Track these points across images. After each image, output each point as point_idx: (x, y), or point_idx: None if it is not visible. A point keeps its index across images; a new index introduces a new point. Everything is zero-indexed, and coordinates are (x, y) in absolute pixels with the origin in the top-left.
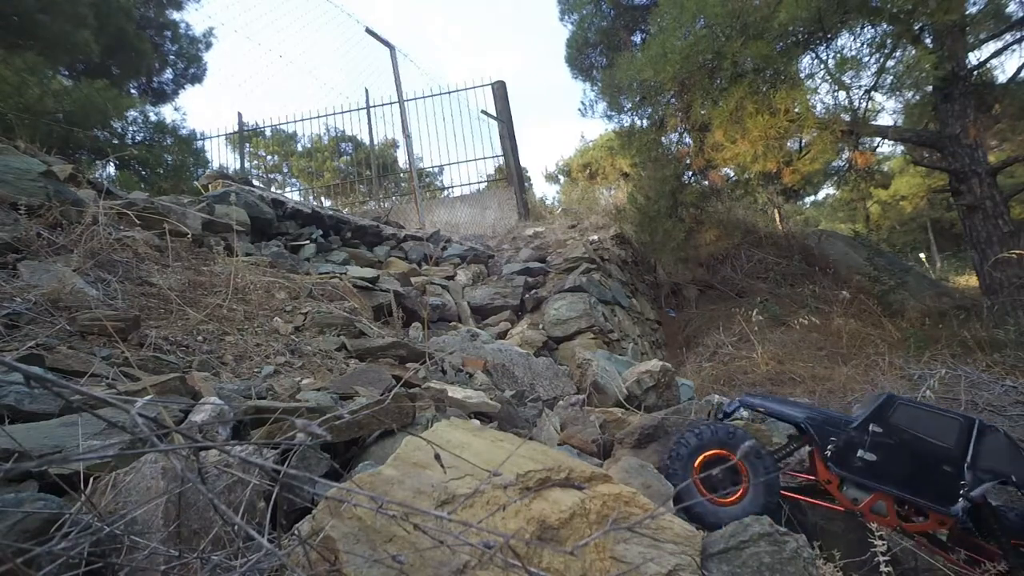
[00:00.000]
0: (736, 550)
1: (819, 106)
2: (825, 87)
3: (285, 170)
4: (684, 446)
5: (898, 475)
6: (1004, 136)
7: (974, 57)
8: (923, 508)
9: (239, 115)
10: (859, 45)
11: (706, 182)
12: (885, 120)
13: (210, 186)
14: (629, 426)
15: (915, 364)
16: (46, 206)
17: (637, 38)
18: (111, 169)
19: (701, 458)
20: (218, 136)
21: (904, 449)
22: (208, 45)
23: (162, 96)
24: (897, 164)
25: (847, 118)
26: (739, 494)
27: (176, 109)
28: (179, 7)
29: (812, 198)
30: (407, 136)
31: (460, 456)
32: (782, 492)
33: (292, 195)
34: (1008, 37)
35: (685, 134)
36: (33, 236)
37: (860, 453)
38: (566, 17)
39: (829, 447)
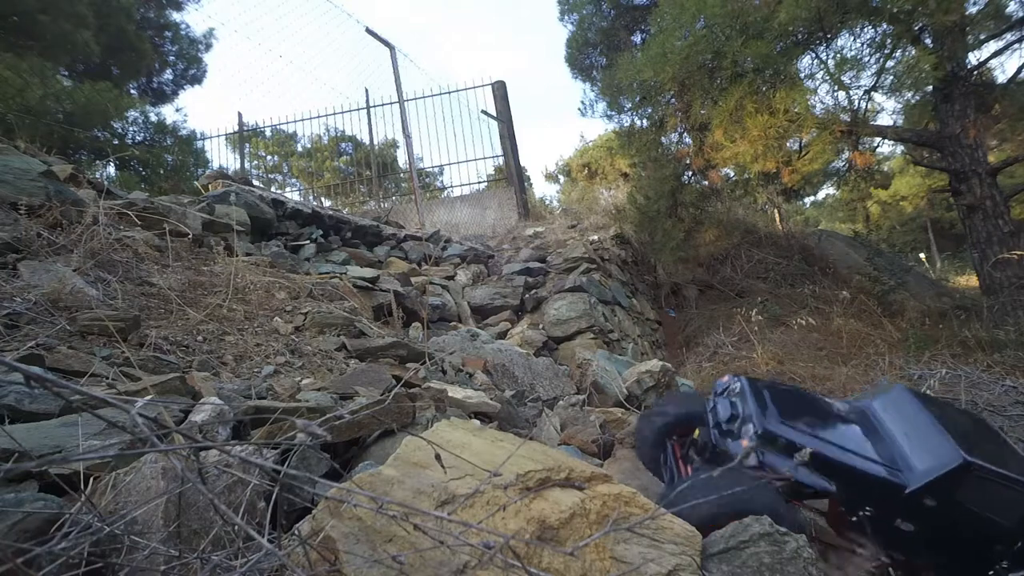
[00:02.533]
0: (736, 550)
1: (819, 106)
2: (825, 87)
3: (285, 170)
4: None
5: (938, 550)
6: (1004, 136)
7: (974, 57)
8: None
9: (239, 115)
10: (859, 45)
11: (706, 182)
12: (885, 120)
13: (210, 186)
14: (629, 426)
15: (915, 364)
16: (46, 206)
17: (637, 38)
18: (111, 169)
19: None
20: (218, 136)
21: (957, 525)
22: (208, 46)
23: (162, 96)
24: (897, 164)
25: (847, 118)
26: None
27: (177, 110)
28: (179, 8)
29: (812, 198)
30: (407, 136)
31: (460, 456)
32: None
33: (292, 195)
34: (1008, 37)
35: (685, 134)
36: (33, 236)
37: (898, 523)
38: (566, 17)
39: (861, 514)
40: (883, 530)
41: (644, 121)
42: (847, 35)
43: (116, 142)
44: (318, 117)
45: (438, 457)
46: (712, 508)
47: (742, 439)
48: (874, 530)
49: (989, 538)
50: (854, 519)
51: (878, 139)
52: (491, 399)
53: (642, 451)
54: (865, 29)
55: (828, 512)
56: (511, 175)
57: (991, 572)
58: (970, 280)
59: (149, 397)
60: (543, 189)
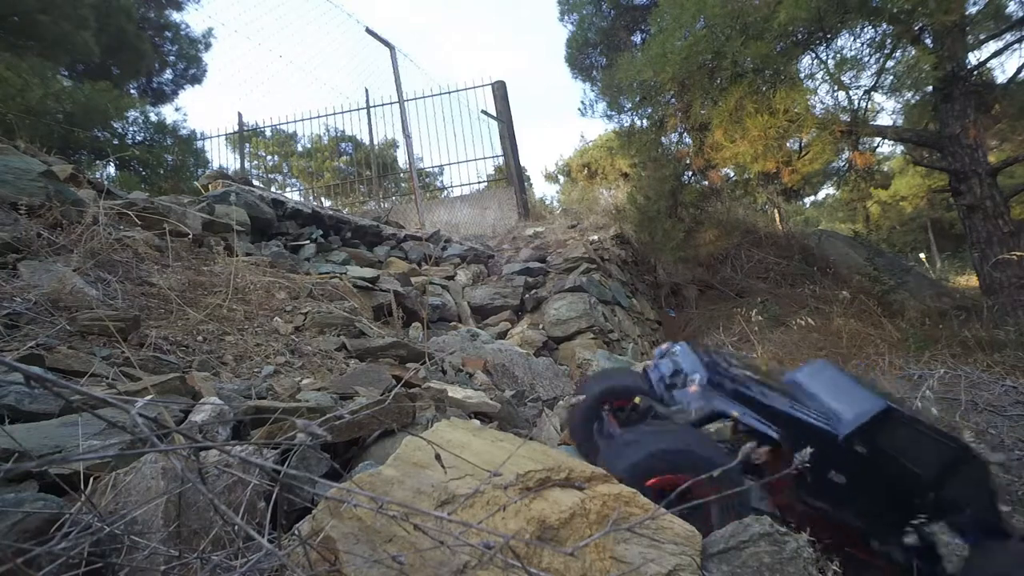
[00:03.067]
0: (736, 550)
1: (819, 106)
2: (825, 87)
3: (285, 170)
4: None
5: (865, 503)
6: (1004, 136)
7: (974, 57)
8: (874, 539)
9: (239, 115)
10: (859, 45)
11: (706, 182)
12: (885, 120)
13: (210, 186)
14: None
15: (915, 364)
16: (46, 206)
17: (637, 38)
18: (111, 169)
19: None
20: (218, 136)
21: (882, 475)
22: (208, 46)
23: (162, 96)
24: (897, 164)
25: (847, 118)
26: None
27: (177, 109)
28: (179, 8)
29: (812, 198)
30: (407, 136)
31: (460, 456)
32: None
33: (292, 195)
34: (1008, 37)
35: (685, 134)
36: (33, 236)
37: (831, 475)
38: (566, 17)
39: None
40: (818, 484)
41: (644, 121)
42: (847, 35)
43: (116, 142)
44: (318, 117)
45: (438, 457)
46: (649, 459)
47: (689, 386)
48: (810, 484)
49: (909, 490)
50: (795, 471)
51: (878, 139)
52: (491, 399)
53: (574, 429)
54: (865, 29)
55: (769, 466)
56: (511, 175)
57: (910, 527)
58: (970, 280)
59: (149, 397)
60: (543, 189)
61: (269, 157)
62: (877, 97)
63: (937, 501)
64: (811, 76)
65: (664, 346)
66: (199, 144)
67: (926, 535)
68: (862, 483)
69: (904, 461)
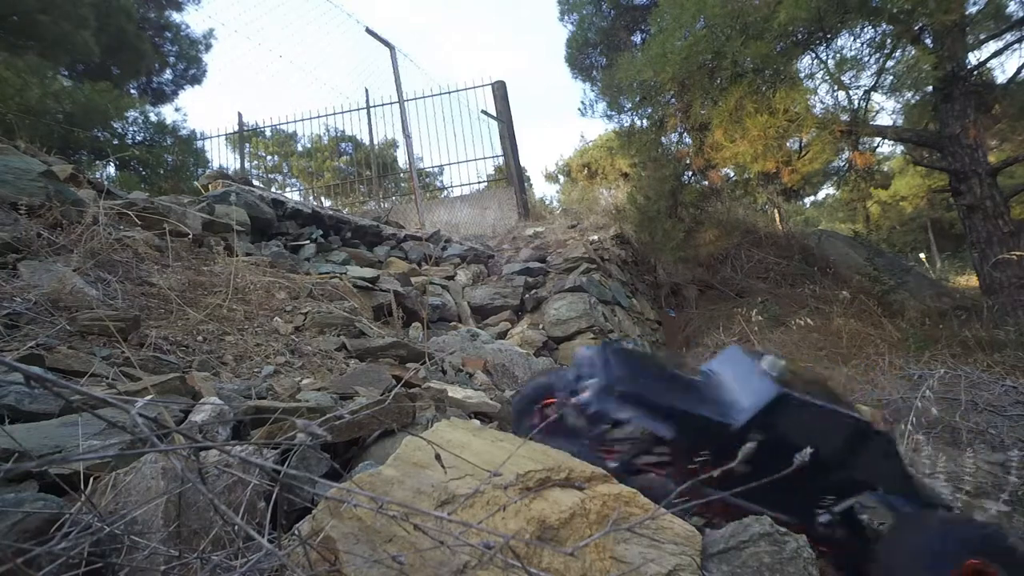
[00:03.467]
0: (736, 550)
1: (818, 106)
2: (825, 87)
3: (285, 170)
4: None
5: (770, 489)
6: (1004, 136)
7: (974, 57)
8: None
9: (239, 115)
10: (859, 45)
11: (706, 182)
12: (885, 120)
13: (210, 186)
14: None
15: (915, 364)
16: (46, 206)
17: (637, 38)
18: (111, 169)
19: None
20: (218, 136)
21: (783, 460)
22: (208, 46)
23: (162, 96)
24: (897, 164)
25: (847, 118)
26: None
27: (177, 110)
28: (179, 8)
29: (812, 198)
30: (407, 136)
31: (460, 456)
32: None
33: (292, 195)
34: (1008, 37)
35: (685, 134)
36: (33, 236)
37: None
38: (566, 17)
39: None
40: (722, 476)
41: (644, 121)
42: (847, 35)
43: (116, 142)
44: (318, 117)
45: (438, 457)
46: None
47: (582, 391)
48: (715, 477)
49: (812, 471)
50: (693, 466)
51: (878, 139)
52: (491, 399)
53: (515, 424)
54: (865, 29)
55: (671, 465)
56: (511, 175)
57: (820, 508)
58: (970, 280)
59: (149, 397)
60: (543, 189)
61: (269, 157)
62: (877, 97)
63: (844, 479)
64: (811, 76)
65: (582, 349)
66: (199, 144)
67: (840, 514)
68: (767, 470)
69: (803, 444)
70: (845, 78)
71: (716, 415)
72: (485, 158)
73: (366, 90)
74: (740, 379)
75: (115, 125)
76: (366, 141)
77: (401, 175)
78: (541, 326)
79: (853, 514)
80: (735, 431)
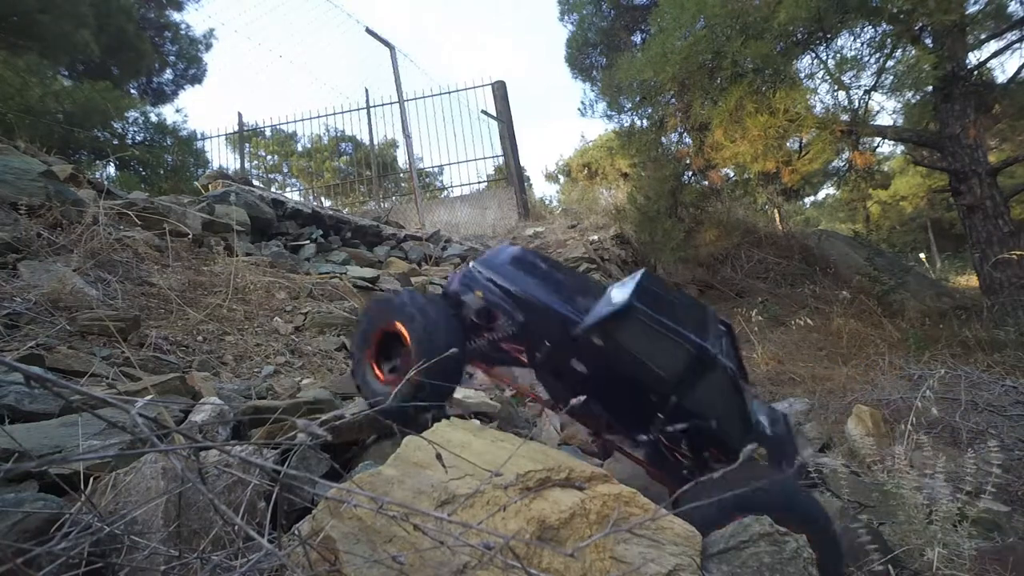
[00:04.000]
0: (736, 550)
1: (819, 106)
2: (825, 87)
3: (285, 170)
4: (359, 326)
5: (604, 393)
6: (1004, 136)
7: (974, 57)
8: (618, 431)
9: (239, 115)
10: (859, 45)
11: (706, 182)
12: (885, 120)
13: (210, 186)
14: None
15: (915, 364)
16: (46, 206)
17: (637, 38)
18: (111, 169)
19: (377, 335)
20: (218, 136)
21: (621, 368)
22: (208, 46)
23: (162, 96)
24: (897, 164)
25: (847, 118)
26: (403, 373)
27: (177, 110)
28: (179, 8)
29: (812, 198)
30: (407, 136)
31: (460, 456)
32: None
33: (292, 195)
34: (1008, 37)
35: (685, 134)
36: (33, 236)
37: (573, 363)
38: (566, 17)
39: (540, 352)
40: (560, 370)
41: (644, 121)
42: (847, 35)
43: (116, 142)
44: (318, 117)
45: (438, 457)
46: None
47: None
48: (553, 368)
49: (648, 387)
50: (537, 355)
51: (878, 139)
52: (491, 399)
53: (355, 365)
54: (865, 29)
55: (525, 352)
56: (511, 175)
57: (650, 425)
58: (970, 280)
59: (149, 397)
60: (543, 189)
61: (269, 157)
62: (877, 97)
63: (680, 404)
64: (811, 76)
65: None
66: (199, 144)
67: (669, 435)
68: (603, 375)
69: (643, 359)
70: (845, 78)
71: (567, 311)
72: (485, 158)
73: (366, 90)
74: (620, 289)
75: (115, 125)
76: (366, 141)
77: (401, 175)
78: None
79: (680, 439)
80: (579, 330)
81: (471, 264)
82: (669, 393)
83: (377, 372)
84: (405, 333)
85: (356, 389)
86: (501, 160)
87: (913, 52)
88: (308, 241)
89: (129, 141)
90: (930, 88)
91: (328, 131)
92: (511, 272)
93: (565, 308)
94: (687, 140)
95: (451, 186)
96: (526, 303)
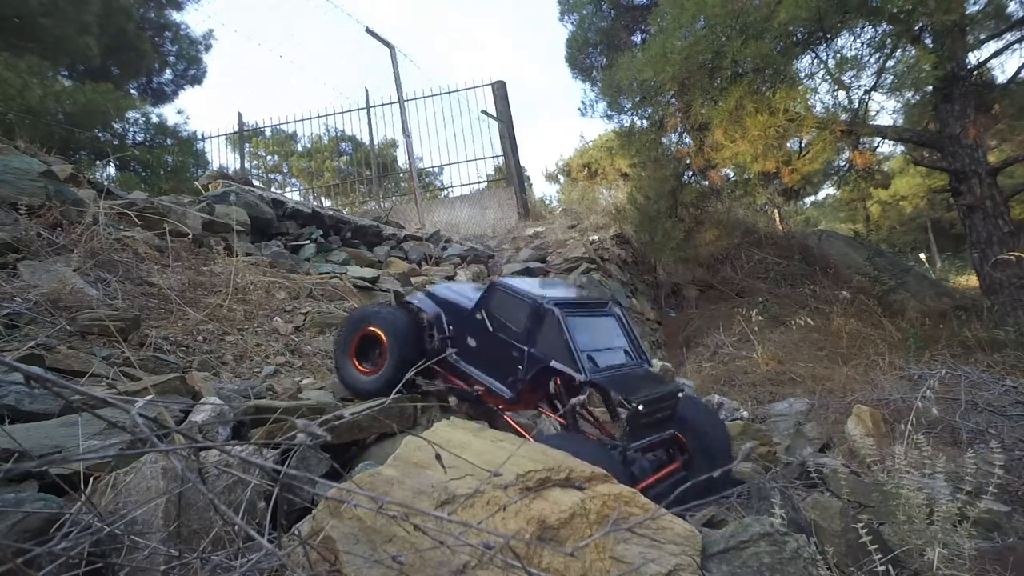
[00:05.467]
0: (736, 550)
1: (819, 106)
2: (825, 87)
3: (285, 170)
4: (341, 333)
5: (486, 359)
6: (1004, 136)
7: (974, 57)
8: (495, 392)
9: (239, 115)
10: (859, 45)
11: (706, 182)
12: (885, 120)
13: (210, 186)
14: None
15: (915, 364)
16: (46, 206)
17: (637, 38)
18: (111, 169)
19: (356, 339)
20: (218, 136)
21: (496, 334)
22: (208, 46)
23: (162, 96)
24: (897, 164)
25: (847, 118)
26: (381, 366)
27: (179, 111)
28: (179, 8)
29: (812, 198)
30: (407, 136)
31: (460, 456)
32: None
33: (292, 195)
34: (1008, 37)
35: (685, 134)
36: (33, 236)
37: (468, 339)
38: (566, 17)
39: (448, 330)
40: (462, 346)
41: (644, 121)
42: (847, 35)
43: (116, 143)
44: (318, 117)
45: (438, 457)
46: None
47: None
48: (457, 346)
49: (512, 344)
50: (449, 339)
51: (878, 139)
52: None
53: (338, 360)
54: (865, 29)
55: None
56: (511, 175)
57: (512, 378)
58: (970, 280)
59: (149, 397)
60: (543, 189)
61: (269, 157)
62: (877, 97)
63: (531, 353)
64: (811, 76)
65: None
66: (199, 145)
67: (527, 381)
68: (485, 344)
69: (506, 322)
70: (845, 78)
71: (466, 303)
72: (485, 158)
73: (366, 90)
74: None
75: (115, 125)
76: (366, 141)
77: (401, 175)
78: None
79: (537, 382)
80: (470, 310)
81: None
82: (524, 344)
83: (359, 368)
84: (382, 334)
85: (342, 384)
86: (501, 160)
87: (913, 52)
88: (308, 241)
89: (129, 141)
90: (930, 88)
91: (328, 131)
92: (442, 289)
93: (466, 302)
94: (687, 140)
95: (451, 186)
96: (444, 303)
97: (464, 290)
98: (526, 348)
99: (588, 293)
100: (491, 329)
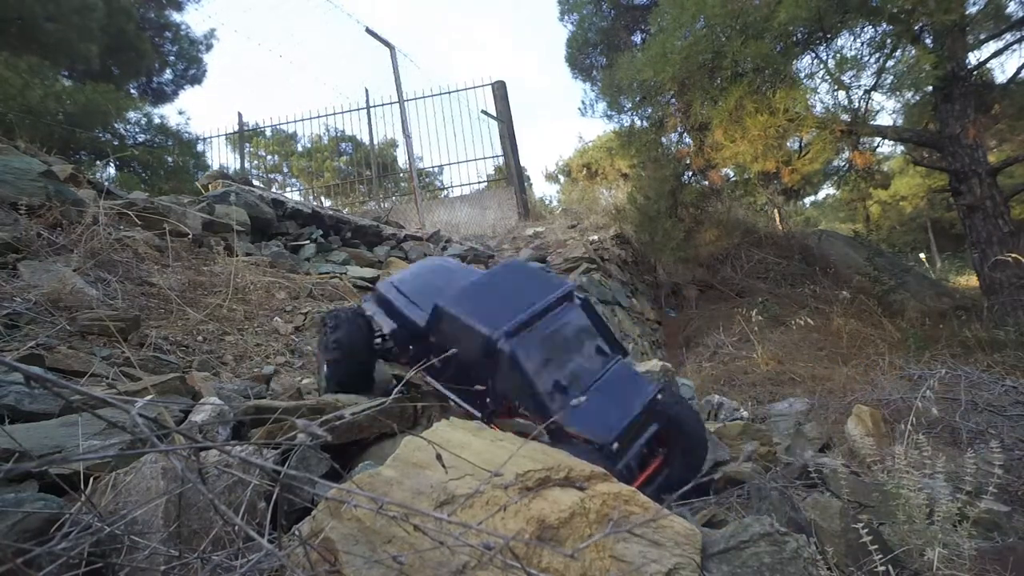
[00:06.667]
0: (736, 550)
1: (819, 106)
2: (825, 87)
3: (285, 170)
4: (320, 335)
5: (454, 375)
6: (1004, 136)
7: (974, 57)
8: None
9: (239, 115)
10: (859, 45)
11: (706, 182)
12: (885, 120)
13: (210, 186)
14: None
15: (915, 364)
16: (46, 206)
17: (637, 38)
18: (111, 170)
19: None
20: (218, 136)
21: (456, 358)
22: (208, 46)
23: (162, 96)
24: (897, 164)
25: (847, 118)
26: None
27: (180, 112)
28: (179, 8)
29: (812, 198)
30: (407, 136)
31: (460, 456)
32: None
33: (292, 195)
34: (1008, 37)
35: (685, 134)
36: (33, 236)
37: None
38: (566, 17)
39: (408, 350)
40: (418, 363)
41: (644, 121)
42: (847, 35)
43: (116, 143)
44: (318, 117)
45: (438, 457)
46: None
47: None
48: (420, 364)
49: (474, 375)
50: (410, 355)
51: (878, 139)
52: None
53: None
54: (865, 29)
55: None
56: (511, 175)
57: (481, 404)
58: (970, 280)
59: (149, 397)
60: (543, 189)
61: (269, 157)
62: (877, 97)
63: (496, 390)
64: (811, 76)
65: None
66: (199, 145)
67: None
68: (446, 365)
69: (462, 351)
70: (845, 78)
71: (419, 319)
72: (485, 158)
73: (366, 90)
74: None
75: (116, 126)
76: (366, 141)
77: (401, 175)
78: None
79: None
80: (423, 330)
81: (378, 289)
82: (486, 378)
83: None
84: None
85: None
86: (501, 160)
87: (913, 52)
88: (308, 241)
89: (129, 142)
90: (930, 88)
91: (328, 131)
92: (394, 295)
93: (421, 318)
94: (687, 140)
95: (451, 186)
96: (398, 315)
97: (423, 285)
98: (489, 383)
99: (543, 277)
100: (448, 353)
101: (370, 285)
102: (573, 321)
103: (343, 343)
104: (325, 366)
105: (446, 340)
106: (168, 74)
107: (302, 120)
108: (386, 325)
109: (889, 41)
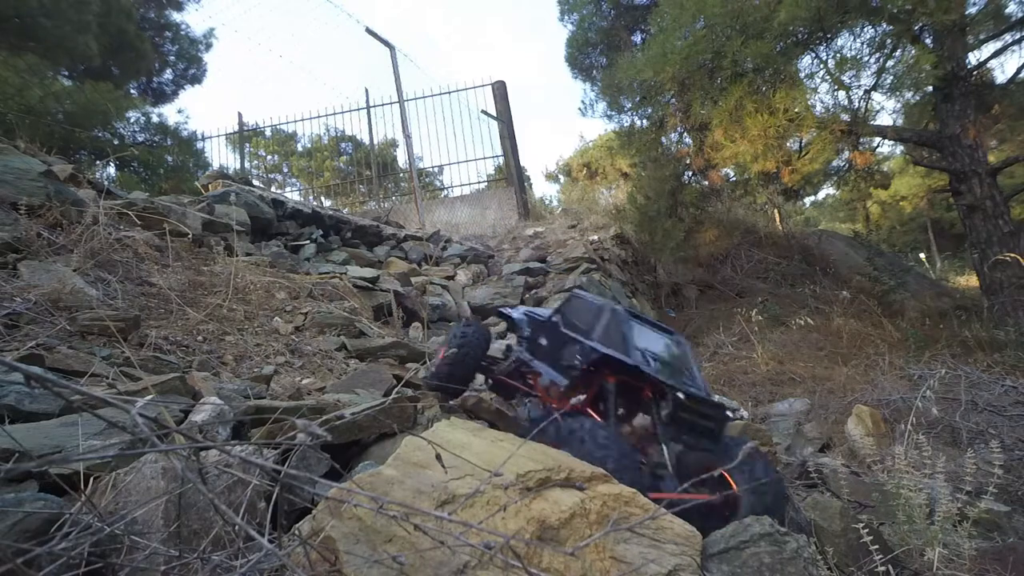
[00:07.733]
0: (736, 550)
1: (819, 106)
2: (825, 87)
3: (285, 170)
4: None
5: (552, 356)
6: (1004, 136)
7: (974, 57)
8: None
9: (239, 115)
10: (859, 45)
11: (706, 182)
12: (885, 120)
13: (210, 186)
14: None
15: (915, 364)
16: (46, 206)
17: (637, 38)
18: (111, 169)
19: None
20: (218, 136)
21: (560, 333)
22: (208, 46)
23: (162, 96)
24: (897, 164)
25: (847, 118)
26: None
27: (180, 111)
28: (179, 8)
29: (812, 198)
30: (407, 136)
31: (460, 456)
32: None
33: (292, 195)
34: (1008, 37)
35: (685, 134)
36: (33, 236)
37: (541, 339)
38: (566, 17)
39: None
40: (533, 346)
41: (644, 121)
42: (847, 35)
43: (116, 142)
44: (318, 117)
45: (438, 457)
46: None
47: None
48: (530, 347)
49: (575, 340)
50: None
51: (878, 139)
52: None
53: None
54: (865, 29)
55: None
56: (511, 175)
57: (572, 368)
58: (970, 280)
59: (149, 397)
60: (543, 189)
61: (269, 157)
62: (877, 97)
63: (585, 346)
64: (811, 76)
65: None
66: (199, 145)
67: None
68: (554, 342)
69: (578, 324)
70: (845, 78)
71: (542, 313)
72: (485, 158)
73: (366, 90)
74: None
75: (115, 125)
76: (366, 141)
77: (401, 175)
78: None
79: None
80: (545, 318)
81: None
82: (582, 338)
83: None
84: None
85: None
86: (501, 160)
87: (913, 52)
88: (308, 241)
89: (129, 141)
90: (930, 88)
91: (328, 131)
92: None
93: (542, 312)
94: (687, 140)
95: (451, 186)
96: (528, 314)
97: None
98: (587, 341)
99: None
100: (558, 333)
101: (370, 285)
102: (674, 346)
103: (469, 337)
104: (440, 356)
105: (566, 316)
106: (168, 74)
107: (302, 120)
108: (517, 316)
109: (889, 41)
